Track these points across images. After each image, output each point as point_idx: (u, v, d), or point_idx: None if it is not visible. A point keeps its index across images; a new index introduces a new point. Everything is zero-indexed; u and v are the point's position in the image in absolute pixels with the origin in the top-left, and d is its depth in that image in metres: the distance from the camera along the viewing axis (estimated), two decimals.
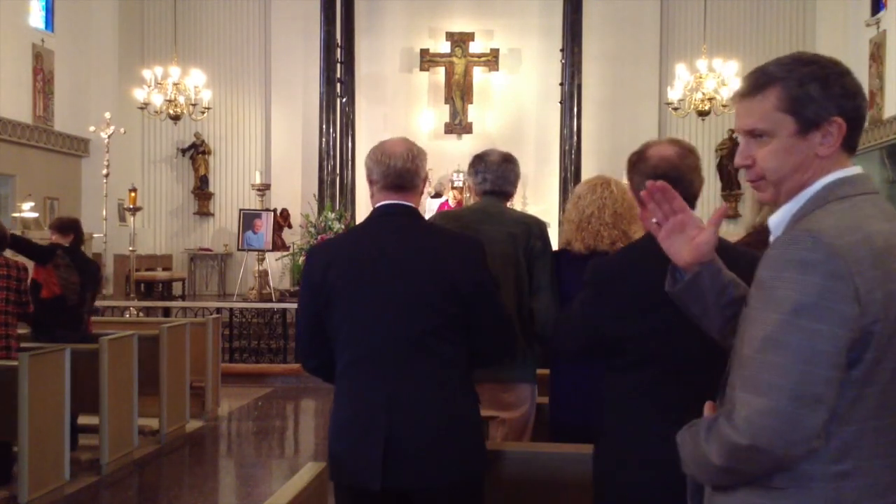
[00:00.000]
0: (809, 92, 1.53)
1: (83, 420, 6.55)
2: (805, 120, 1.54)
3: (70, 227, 6.72)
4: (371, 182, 2.68)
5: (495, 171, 3.46)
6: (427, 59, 16.01)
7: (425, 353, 2.51)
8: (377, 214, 2.66)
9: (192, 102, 13.56)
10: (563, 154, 14.64)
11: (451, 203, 14.19)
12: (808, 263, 1.40)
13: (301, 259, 13.07)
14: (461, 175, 14.25)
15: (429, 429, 2.49)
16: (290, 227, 14.86)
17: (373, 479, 2.46)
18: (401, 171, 2.63)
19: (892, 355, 1.44)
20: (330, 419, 2.63)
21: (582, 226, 3.34)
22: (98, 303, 11.04)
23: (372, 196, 2.69)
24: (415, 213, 2.71)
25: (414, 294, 2.52)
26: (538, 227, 3.48)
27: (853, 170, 1.56)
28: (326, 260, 2.62)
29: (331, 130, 14.19)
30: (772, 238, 1.61)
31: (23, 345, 5.93)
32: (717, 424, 1.48)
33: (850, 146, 1.57)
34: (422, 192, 2.74)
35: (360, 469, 2.49)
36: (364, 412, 2.50)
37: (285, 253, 14.07)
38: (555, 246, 3.53)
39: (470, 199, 3.76)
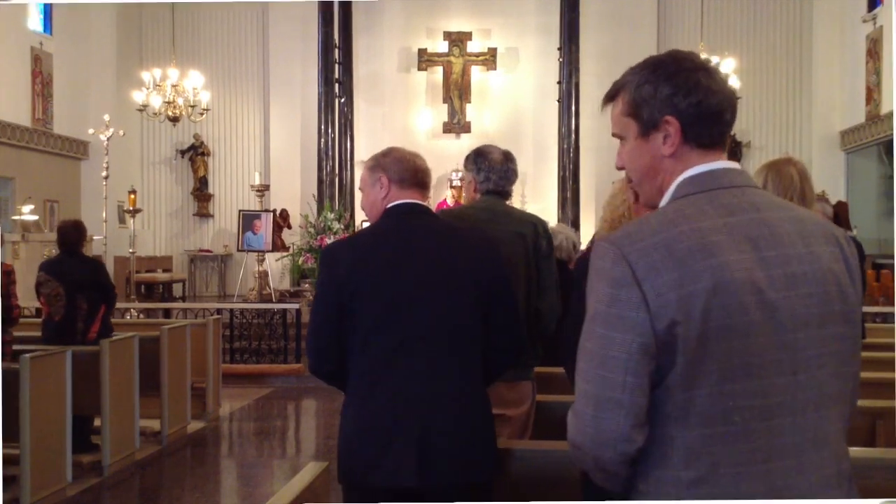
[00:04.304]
0: (643, 94, 1.54)
1: None
2: (643, 122, 1.55)
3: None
4: (384, 182, 2.64)
5: (499, 171, 3.45)
6: (425, 59, 16.01)
7: (454, 350, 2.52)
8: (400, 212, 2.63)
9: (191, 104, 13.57)
10: (562, 153, 14.64)
11: (450, 202, 14.21)
12: (600, 271, 1.44)
13: (301, 259, 13.08)
14: (460, 174, 14.25)
15: (458, 426, 2.50)
16: (289, 227, 14.87)
17: (407, 477, 2.42)
18: (422, 168, 2.70)
19: (711, 357, 1.38)
20: (345, 422, 2.54)
21: (614, 225, 3.35)
22: None
23: (384, 197, 2.65)
24: (432, 212, 2.73)
25: (445, 291, 2.52)
26: (542, 226, 3.49)
27: (709, 165, 1.52)
28: (353, 257, 2.55)
29: (329, 131, 14.21)
30: None
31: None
32: None
33: (701, 143, 1.52)
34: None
35: (394, 467, 2.43)
36: (397, 410, 2.46)
37: (285, 253, 14.08)
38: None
39: (466, 195, 3.74)
